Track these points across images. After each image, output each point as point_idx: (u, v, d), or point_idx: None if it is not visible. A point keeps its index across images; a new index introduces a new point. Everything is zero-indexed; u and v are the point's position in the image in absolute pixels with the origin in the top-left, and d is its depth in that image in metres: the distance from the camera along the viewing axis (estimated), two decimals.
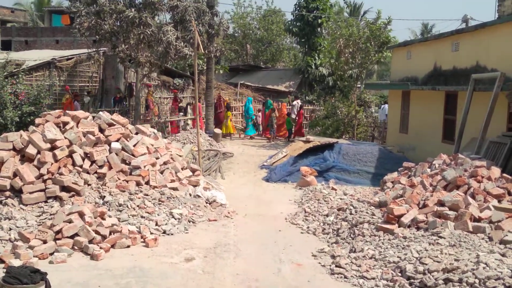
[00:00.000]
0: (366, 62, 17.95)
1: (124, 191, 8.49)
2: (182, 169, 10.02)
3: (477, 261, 5.54)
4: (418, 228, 6.95)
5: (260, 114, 19.87)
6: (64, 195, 7.91)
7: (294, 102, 19.86)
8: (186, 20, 15.21)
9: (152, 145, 9.91)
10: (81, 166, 8.59)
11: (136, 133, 9.96)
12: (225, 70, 27.09)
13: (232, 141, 18.13)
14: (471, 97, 10.45)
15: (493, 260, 5.53)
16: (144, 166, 9.06)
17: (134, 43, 15.07)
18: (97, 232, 6.94)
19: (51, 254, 6.46)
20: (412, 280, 5.60)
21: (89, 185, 8.45)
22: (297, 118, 18.81)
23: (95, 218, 7.19)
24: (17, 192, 7.96)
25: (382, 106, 20.60)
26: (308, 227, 8.27)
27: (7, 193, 7.88)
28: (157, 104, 20.15)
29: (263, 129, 19.42)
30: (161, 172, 9.44)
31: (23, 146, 8.46)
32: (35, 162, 8.23)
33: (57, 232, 6.77)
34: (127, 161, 9.05)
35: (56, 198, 7.90)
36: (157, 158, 9.56)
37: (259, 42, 35.34)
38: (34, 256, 6.29)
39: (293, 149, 14.06)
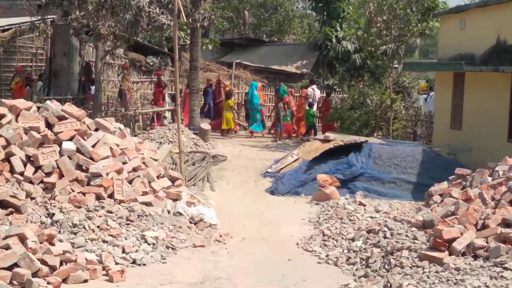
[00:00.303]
0: (406, 34, 17.94)
1: (79, 207, 8.50)
2: (158, 177, 10.03)
3: None
4: (475, 257, 6.95)
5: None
6: None
7: (309, 89, 19.89)
8: None
9: (118, 145, 9.92)
10: (21, 174, 8.60)
11: (96, 130, 9.97)
12: (216, 45, 27.10)
13: (226, 140, 18.15)
14: None
15: None
16: (107, 174, 9.07)
17: (92, 8, 15.08)
18: (43, 262, 6.94)
19: None
20: None
21: (32, 198, 8.46)
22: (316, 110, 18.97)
23: (40, 243, 7.19)
24: None
25: (430, 94, 20.58)
26: (327, 256, 8.28)
27: None
28: (123, 91, 20.14)
29: (272, 125, 19.48)
30: (130, 182, 9.44)
31: None
32: None
33: None
34: (83, 167, 9.07)
35: None
36: (124, 163, 9.57)
37: (261, 8, 35.43)
38: None
39: (307, 151, 14.06)
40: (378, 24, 18.01)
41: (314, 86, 20.33)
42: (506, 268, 6.42)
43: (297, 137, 19.32)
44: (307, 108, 19.11)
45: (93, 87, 18.91)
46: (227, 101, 18.97)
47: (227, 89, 19.99)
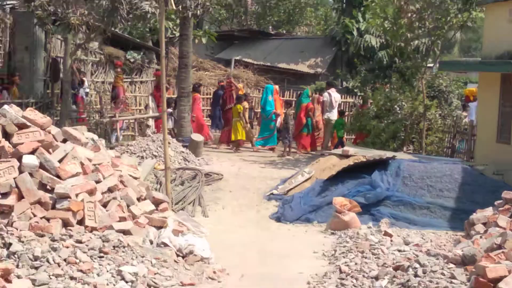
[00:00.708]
0: (443, 26, 18.01)
1: (43, 236, 8.50)
2: (138, 199, 10.04)
3: None
4: None
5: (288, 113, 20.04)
6: None
7: (325, 94, 19.99)
8: None
9: (90, 160, 9.94)
10: None
11: (64, 141, 10.00)
12: (211, 39, 27.24)
13: (222, 153, 18.20)
14: None
15: None
16: (77, 195, 9.07)
17: None
18: None
19: None
20: None
21: None
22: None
23: None
24: None
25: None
26: None
27: None
28: (98, 93, 20.27)
29: (294, 137, 19.59)
30: (104, 205, 9.45)
31: None
32: None
33: None
34: (48, 187, 9.08)
35: None
36: (97, 182, 9.58)
37: None
38: None
39: (321, 169, 14.08)
40: (410, 14, 18.06)
41: (333, 90, 20.42)
42: None
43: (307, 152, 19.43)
44: (327, 116, 19.26)
45: (83, 88, 19.15)
46: (236, 106, 19.09)
47: (241, 93, 20.18)
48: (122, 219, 9.37)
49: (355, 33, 26.00)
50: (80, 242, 8.55)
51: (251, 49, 30.15)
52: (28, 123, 9.62)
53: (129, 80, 23.20)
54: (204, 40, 26.51)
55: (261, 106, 20.30)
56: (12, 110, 9.75)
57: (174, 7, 14.39)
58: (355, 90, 22.72)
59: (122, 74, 21.26)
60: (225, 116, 20.19)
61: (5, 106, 9.92)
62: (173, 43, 26.19)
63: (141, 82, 24.82)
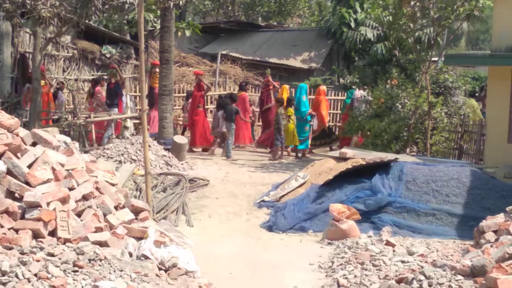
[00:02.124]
0: (448, 16, 18.06)
1: (10, 249, 8.46)
2: (116, 208, 10.01)
3: None
4: None
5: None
6: None
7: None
8: None
9: (63, 165, 9.91)
10: None
11: (34, 144, 9.97)
12: (195, 31, 27.20)
13: (207, 158, 18.21)
14: None
15: None
16: (48, 204, 9.04)
17: None
18: None
19: None
20: None
21: None
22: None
23: None
24: None
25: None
26: None
27: None
28: (71, 92, 20.24)
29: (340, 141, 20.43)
30: (79, 214, 9.42)
31: None
32: None
33: None
34: (16, 194, 9.04)
35: None
36: (71, 189, 9.55)
37: None
38: None
39: (316, 173, 14.11)
40: (412, 3, 18.10)
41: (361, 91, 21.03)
42: None
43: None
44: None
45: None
46: (284, 109, 19.16)
47: (284, 93, 20.34)
48: (98, 229, 9.33)
49: (352, 24, 26.07)
50: (52, 255, 8.52)
51: (239, 43, 30.18)
52: None
53: (106, 76, 23.16)
54: (187, 33, 26.42)
55: (294, 107, 20.48)
56: None
57: None
58: (353, 87, 22.72)
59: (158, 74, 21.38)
60: (264, 117, 20.44)
61: None
62: (154, 36, 26.17)
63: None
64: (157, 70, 20.38)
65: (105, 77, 21.57)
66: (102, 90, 19.97)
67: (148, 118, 20.11)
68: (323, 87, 21.92)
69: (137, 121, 19.43)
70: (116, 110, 19.50)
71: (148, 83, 21.21)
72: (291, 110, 19.35)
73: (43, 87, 19.46)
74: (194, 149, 19.70)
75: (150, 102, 20.53)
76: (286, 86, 21.90)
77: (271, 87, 21.10)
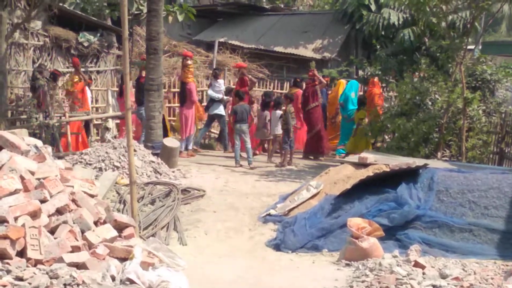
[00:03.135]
0: None
1: None
2: (96, 223, 9.99)
3: None
4: None
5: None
6: None
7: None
8: None
9: (33, 173, 9.89)
10: None
11: None
12: (188, 16, 27.27)
13: (204, 163, 18.24)
14: None
15: None
16: (16, 219, 9.03)
17: None
18: None
19: None
20: None
21: None
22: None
23: None
24: None
25: None
26: None
27: None
28: (40, 87, 20.19)
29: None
30: (52, 231, 9.40)
31: None
32: None
33: None
34: None
35: None
36: (43, 202, 9.53)
37: None
38: None
39: (332, 181, 14.07)
40: None
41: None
42: None
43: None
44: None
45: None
46: (359, 111, 19.34)
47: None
48: (75, 248, 9.32)
49: (373, 6, 26.07)
50: (20, 279, 8.50)
51: (239, 29, 30.19)
52: None
53: (83, 69, 23.16)
54: (179, 18, 26.49)
55: (340, 104, 20.51)
56: None
57: None
58: (372, 78, 22.69)
59: (193, 68, 21.62)
60: (307, 119, 20.63)
61: None
62: (139, 21, 26.24)
63: (98, 72, 24.78)
64: (189, 62, 20.80)
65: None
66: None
67: (180, 119, 20.74)
68: (376, 78, 22.07)
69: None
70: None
71: (179, 78, 21.54)
72: (364, 113, 19.58)
73: (76, 84, 19.99)
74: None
75: (182, 99, 20.80)
76: (343, 81, 22.02)
77: (317, 83, 21.08)
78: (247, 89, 20.37)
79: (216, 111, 20.91)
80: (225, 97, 20.92)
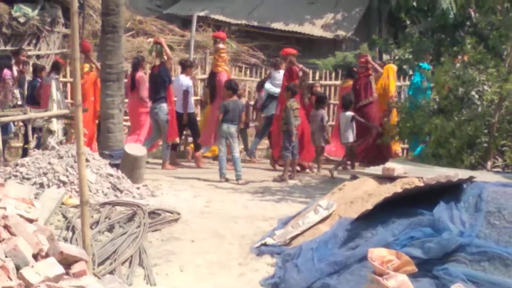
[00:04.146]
0: None
1: None
2: (36, 257, 9.99)
3: None
4: None
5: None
6: None
7: None
8: None
9: None
10: None
11: None
12: None
13: (177, 178, 18.26)
14: None
15: None
16: None
17: None
18: None
19: None
20: None
21: None
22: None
23: None
24: None
25: None
26: None
27: None
28: None
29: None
30: None
31: None
32: None
33: None
34: None
35: None
36: None
37: None
38: None
39: (347, 200, 14.08)
40: None
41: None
42: None
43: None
44: None
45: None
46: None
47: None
48: None
49: None
50: None
51: (225, 0, 30.20)
52: None
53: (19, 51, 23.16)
54: None
55: (410, 97, 20.57)
56: None
57: None
58: (404, 67, 22.75)
59: (225, 53, 21.83)
60: (360, 117, 20.70)
61: None
62: None
63: (39, 56, 24.77)
64: (221, 46, 21.20)
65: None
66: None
67: (209, 120, 21.21)
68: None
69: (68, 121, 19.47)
70: (164, 105, 20.34)
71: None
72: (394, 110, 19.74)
73: (86, 74, 20.58)
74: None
75: (211, 94, 21.24)
76: (393, 66, 22.04)
77: (370, 72, 21.12)
78: (297, 82, 20.40)
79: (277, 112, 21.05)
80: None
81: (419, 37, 23.33)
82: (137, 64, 21.37)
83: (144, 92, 20.99)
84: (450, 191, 13.51)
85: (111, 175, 15.98)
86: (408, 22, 24.26)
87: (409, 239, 12.71)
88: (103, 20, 19.00)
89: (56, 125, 19.07)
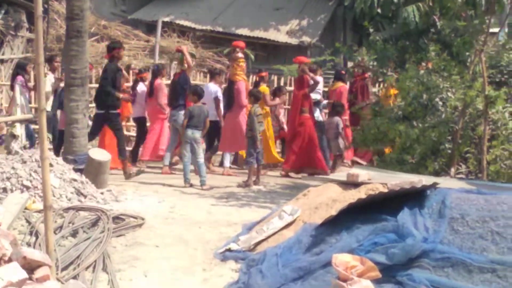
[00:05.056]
0: None
1: None
2: None
3: None
4: None
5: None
6: None
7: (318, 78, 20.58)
8: None
9: None
10: None
11: None
12: None
13: (143, 183, 18.26)
14: None
15: None
16: None
17: None
18: None
19: None
20: None
21: None
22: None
23: None
24: None
25: None
26: None
27: None
28: None
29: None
30: None
31: None
32: None
33: None
34: None
35: None
36: None
37: None
38: None
39: (312, 206, 14.10)
40: None
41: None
42: None
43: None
44: None
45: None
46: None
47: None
48: None
49: None
50: None
51: (190, 5, 30.27)
52: None
53: None
54: None
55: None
56: None
57: None
58: (367, 74, 22.81)
59: (243, 62, 22.37)
60: (355, 122, 21.16)
61: None
62: None
63: (2, 61, 24.67)
64: (240, 55, 21.60)
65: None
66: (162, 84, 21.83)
67: (225, 127, 21.50)
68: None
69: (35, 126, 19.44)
70: (181, 113, 20.54)
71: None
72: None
73: None
74: (293, 175, 20.88)
75: (228, 102, 21.52)
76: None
77: (366, 75, 21.37)
78: (306, 91, 20.62)
79: (315, 117, 21.18)
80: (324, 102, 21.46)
81: (383, 44, 23.36)
82: (157, 72, 22.04)
83: (162, 99, 21.65)
84: (414, 197, 13.57)
85: (75, 180, 15.94)
86: (371, 29, 24.37)
87: (373, 244, 12.75)
88: (68, 25, 18.95)
89: (20, 129, 19.03)
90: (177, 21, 28.82)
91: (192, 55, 22.00)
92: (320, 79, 21.69)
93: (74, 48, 18.45)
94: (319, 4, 28.70)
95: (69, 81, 18.45)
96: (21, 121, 18.70)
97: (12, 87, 20.78)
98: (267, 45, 28.05)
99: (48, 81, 21.56)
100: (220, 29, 28.56)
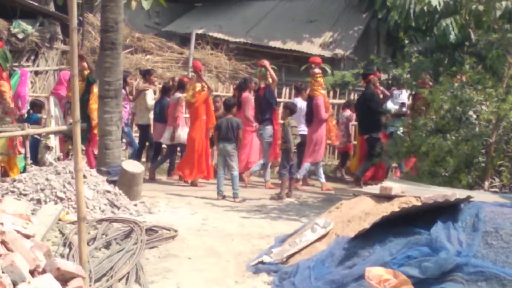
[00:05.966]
0: None
1: None
2: (33, 273, 9.97)
3: None
4: None
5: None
6: None
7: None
8: None
9: None
10: None
11: None
12: (157, 0, 27.36)
13: (174, 195, 18.20)
14: None
15: None
16: None
17: None
18: None
19: None
20: None
21: None
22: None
23: None
24: None
25: None
26: None
27: None
28: None
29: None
30: None
31: None
32: None
33: None
34: None
35: None
36: None
37: None
38: None
39: (344, 219, 14.04)
40: None
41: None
42: None
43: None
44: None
45: None
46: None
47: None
48: None
49: None
50: None
51: (223, 18, 30.23)
52: None
53: (17, 66, 23.12)
54: (145, 4, 26.50)
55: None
56: None
57: None
58: (402, 86, 22.69)
59: (321, 78, 22.70)
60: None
61: None
62: (92, 7, 26.29)
63: (37, 72, 24.73)
64: (317, 71, 21.98)
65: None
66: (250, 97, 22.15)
67: (308, 143, 21.68)
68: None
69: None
70: (269, 128, 21.22)
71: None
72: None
73: (198, 93, 21.33)
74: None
75: (308, 117, 21.63)
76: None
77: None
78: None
79: (394, 129, 21.31)
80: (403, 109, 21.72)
81: (418, 56, 23.24)
82: (244, 85, 22.39)
83: (249, 111, 21.88)
84: (447, 211, 13.47)
85: (109, 192, 15.96)
86: (406, 41, 24.22)
87: (406, 258, 12.66)
88: (102, 37, 18.97)
89: (54, 141, 19.07)
90: (210, 33, 28.78)
91: (275, 70, 22.34)
92: (404, 90, 21.93)
93: (108, 60, 18.48)
94: (352, 17, 28.61)
95: (103, 93, 18.47)
96: (54, 133, 18.72)
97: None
98: (300, 57, 27.90)
99: (150, 94, 22.44)
100: (253, 42, 28.44)
